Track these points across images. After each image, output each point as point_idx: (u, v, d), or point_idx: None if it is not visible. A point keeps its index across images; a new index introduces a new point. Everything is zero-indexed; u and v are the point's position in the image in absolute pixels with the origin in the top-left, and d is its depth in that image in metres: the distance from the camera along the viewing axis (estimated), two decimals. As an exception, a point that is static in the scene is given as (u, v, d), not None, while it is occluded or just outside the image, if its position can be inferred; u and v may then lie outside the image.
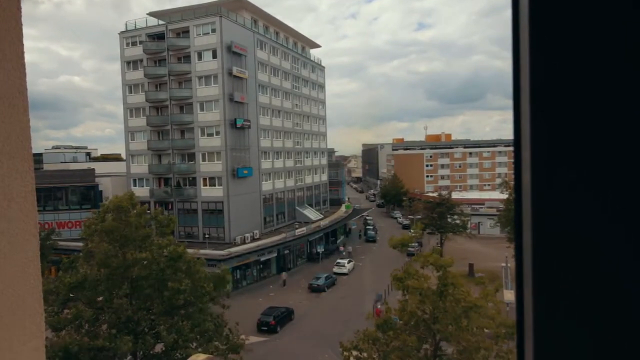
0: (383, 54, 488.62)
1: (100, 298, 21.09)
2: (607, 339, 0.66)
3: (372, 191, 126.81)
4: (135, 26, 52.97)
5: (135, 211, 22.44)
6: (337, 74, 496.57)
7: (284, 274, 47.41)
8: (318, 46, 74.93)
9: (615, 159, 0.64)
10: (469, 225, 58.30)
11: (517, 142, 0.73)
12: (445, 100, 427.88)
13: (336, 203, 74.54)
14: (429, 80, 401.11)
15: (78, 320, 19.83)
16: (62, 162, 65.92)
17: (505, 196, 55.13)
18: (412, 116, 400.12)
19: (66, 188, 52.79)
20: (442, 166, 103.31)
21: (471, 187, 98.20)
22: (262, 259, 47.89)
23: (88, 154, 77.78)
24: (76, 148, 78.98)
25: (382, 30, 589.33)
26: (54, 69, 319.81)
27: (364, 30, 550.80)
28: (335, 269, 49.23)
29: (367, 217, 76.78)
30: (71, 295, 20.85)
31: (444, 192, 60.30)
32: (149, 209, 32.23)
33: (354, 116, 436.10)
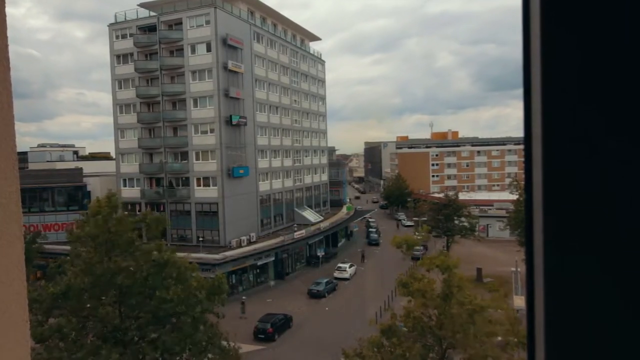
0: (435, 18, 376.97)
1: (88, 305, 20.26)
2: (623, 345, 0.64)
3: (374, 198, 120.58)
4: (125, 18, 51.25)
5: (117, 215, 21.28)
6: (370, 47, 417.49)
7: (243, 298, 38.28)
8: (318, 39, 72.78)
9: (630, 154, 0.62)
10: (477, 228, 56.37)
11: (527, 139, 0.70)
12: (493, 86, 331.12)
13: (337, 204, 72.83)
14: (485, 55, 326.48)
15: (61, 331, 18.94)
16: (47, 161, 64.42)
17: (515, 197, 52.72)
18: (439, 107, 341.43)
19: (52, 188, 51.63)
20: (449, 165, 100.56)
21: (479, 188, 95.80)
22: (259, 263, 46.32)
23: (75, 152, 76.47)
24: (63, 146, 77.62)
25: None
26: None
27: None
28: (336, 274, 47.86)
29: (370, 219, 75.53)
30: (55, 304, 19.97)
31: (450, 193, 59.35)
32: (139, 210, 30.32)
33: (372, 106, 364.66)
